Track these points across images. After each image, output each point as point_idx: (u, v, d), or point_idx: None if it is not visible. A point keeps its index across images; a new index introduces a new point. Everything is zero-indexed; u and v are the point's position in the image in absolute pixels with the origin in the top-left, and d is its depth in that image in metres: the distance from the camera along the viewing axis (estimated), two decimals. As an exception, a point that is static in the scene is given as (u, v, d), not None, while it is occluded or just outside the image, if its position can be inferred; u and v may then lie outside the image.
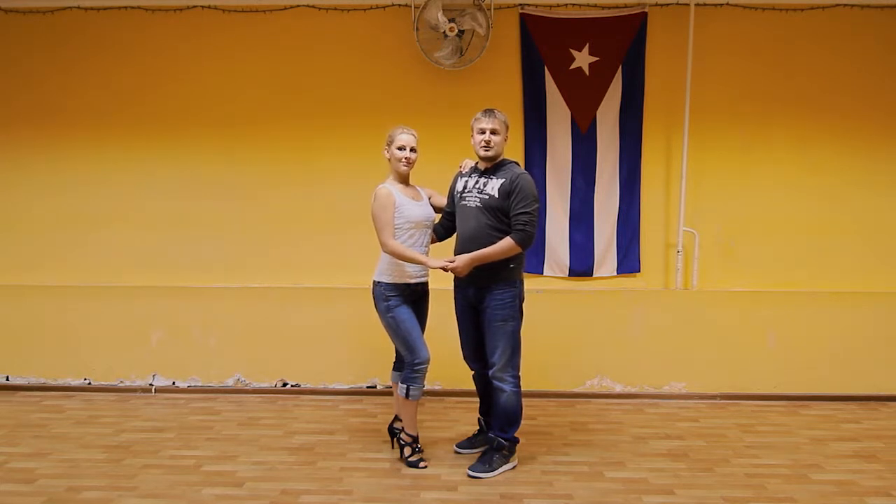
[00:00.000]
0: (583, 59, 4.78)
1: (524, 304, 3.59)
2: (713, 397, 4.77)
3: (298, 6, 4.82)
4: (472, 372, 3.82)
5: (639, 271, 4.94)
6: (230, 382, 4.92)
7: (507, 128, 3.54)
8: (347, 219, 4.89)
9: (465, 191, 3.56)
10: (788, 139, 4.85)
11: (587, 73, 4.79)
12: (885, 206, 4.86)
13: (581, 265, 4.92)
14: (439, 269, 3.45)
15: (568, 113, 4.83)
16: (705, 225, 4.88)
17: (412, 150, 3.56)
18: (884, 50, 4.77)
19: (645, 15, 4.74)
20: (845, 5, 4.74)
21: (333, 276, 4.93)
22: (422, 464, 3.60)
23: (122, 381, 4.94)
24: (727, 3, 4.75)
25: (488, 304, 3.48)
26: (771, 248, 4.89)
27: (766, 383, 4.79)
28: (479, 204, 3.47)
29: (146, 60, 4.89)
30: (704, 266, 4.89)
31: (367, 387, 4.88)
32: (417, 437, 3.66)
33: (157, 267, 4.97)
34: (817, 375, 4.77)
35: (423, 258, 3.47)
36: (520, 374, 3.55)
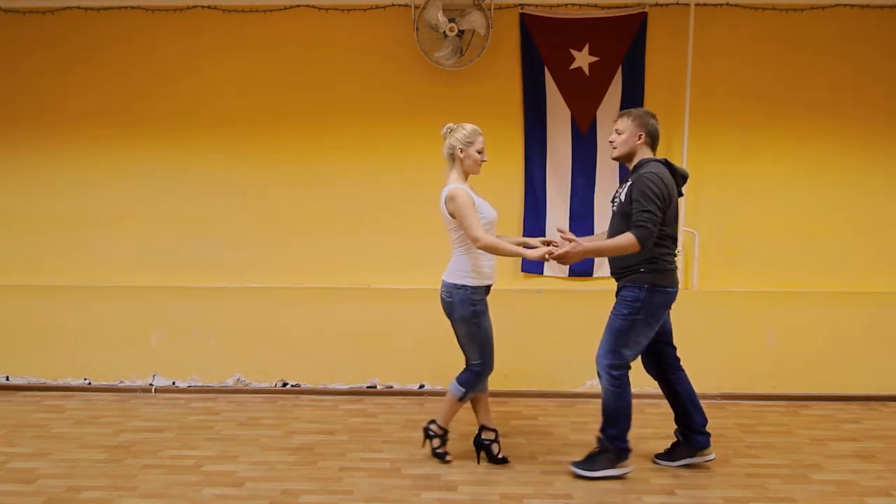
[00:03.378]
0: (583, 59, 4.78)
1: (661, 317, 3.48)
2: (713, 397, 4.76)
3: (298, 6, 4.82)
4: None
5: (639, 271, 4.93)
6: (230, 382, 4.92)
7: (638, 125, 3.41)
8: (348, 219, 4.90)
9: (613, 197, 3.56)
10: (788, 139, 4.85)
11: (587, 73, 4.79)
12: (885, 206, 4.86)
13: (581, 265, 4.91)
14: (541, 259, 3.31)
15: (568, 113, 4.83)
16: (705, 225, 4.88)
17: None
18: (884, 50, 4.77)
19: (645, 15, 4.74)
20: (845, 5, 4.74)
21: (333, 276, 4.93)
22: (448, 457, 3.63)
23: (122, 381, 4.94)
24: (727, 4, 4.75)
25: (617, 299, 3.49)
26: (771, 248, 4.88)
27: (765, 383, 4.79)
28: (615, 209, 3.48)
29: (146, 60, 4.89)
30: (704, 266, 4.89)
31: (367, 387, 4.88)
32: (448, 431, 3.67)
33: (157, 267, 4.97)
34: (817, 375, 4.77)
35: (522, 250, 3.37)
36: (622, 373, 3.42)
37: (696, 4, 4.71)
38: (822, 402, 4.70)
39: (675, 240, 3.49)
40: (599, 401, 4.67)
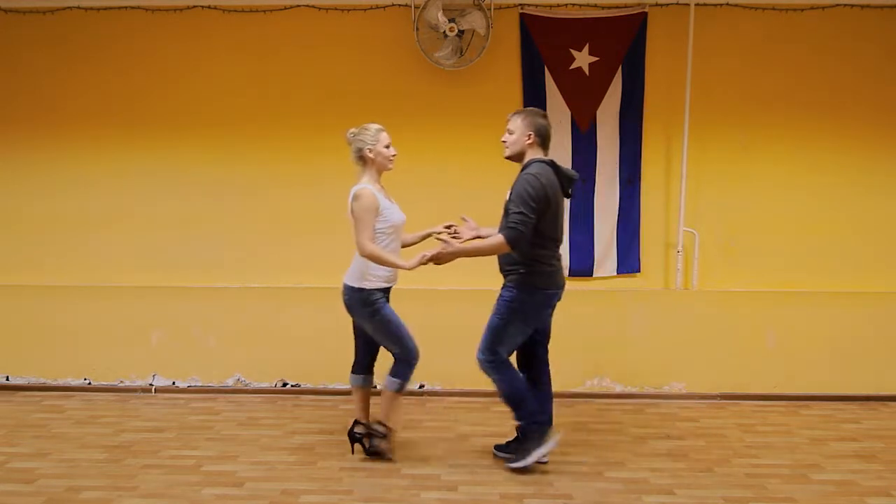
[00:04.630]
0: (583, 59, 4.78)
1: (541, 317, 3.56)
2: (713, 397, 4.76)
3: (298, 6, 4.82)
4: None
5: (639, 271, 4.94)
6: (230, 382, 4.92)
7: (528, 125, 3.45)
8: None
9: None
10: (788, 139, 4.85)
11: (587, 73, 4.79)
12: (885, 206, 4.86)
13: (581, 265, 4.92)
14: (419, 266, 3.37)
15: (568, 113, 4.83)
16: (705, 225, 4.88)
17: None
18: (884, 50, 4.77)
19: (645, 15, 4.74)
20: (845, 5, 4.74)
21: (333, 276, 4.90)
22: (389, 454, 3.66)
23: (122, 381, 4.93)
24: (727, 3, 4.75)
25: (497, 298, 3.53)
26: (771, 248, 4.88)
27: (766, 383, 4.79)
28: (504, 208, 3.50)
29: (146, 60, 4.89)
30: (704, 266, 4.89)
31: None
32: (393, 430, 3.69)
33: (157, 267, 4.97)
34: (817, 375, 4.77)
35: (401, 262, 3.43)
36: (496, 359, 3.48)
37: (696, 4, 4.71)
38: (822, 402, 4.70)
39: (556, 241, 3.51)
40: (600, 401, 4.73)
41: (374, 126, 3.56)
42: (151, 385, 4.91)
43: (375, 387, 4.83)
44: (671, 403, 4.69)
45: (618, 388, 4.84)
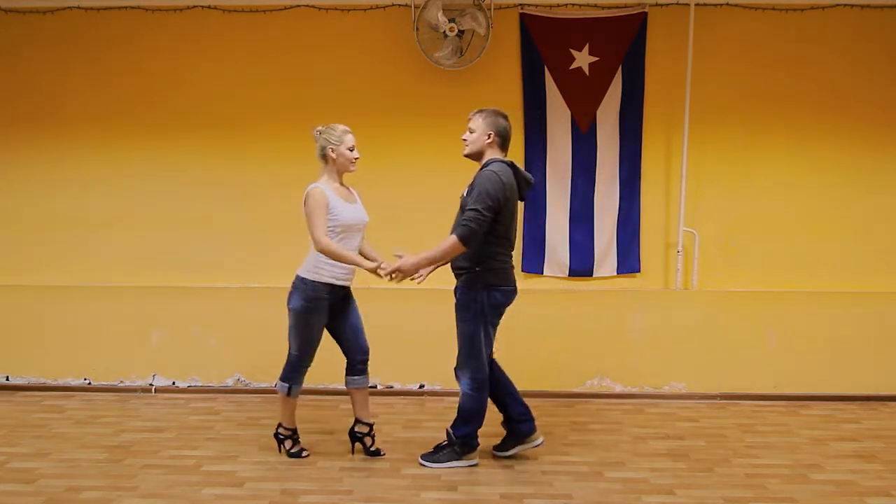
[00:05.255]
0: (583, 59, 4.78)
1: (501, 315, 3.52)
2: (713, 397, 4.77)
3: (298, 6, 4.82)
4: None
5: (639, 271, 4.94)
6: (230, 382, 4.92)
7: (489, 124, 3.45)
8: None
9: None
10: (788, 139, 4.85)
11: (587, 73, 4.79)
12: (885, 206, 4.86)
13: (581, 265, 4.92)
14: (374, 273, 3.39)
15: (568, 113, 4.83)
16: (705, 225, 4.88)
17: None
18: (884, 50, 4.77)
19: (645, 15, 4.74)
20: (845, 5, 4.74)
21: (333, 276, 4.92)
22: (304, 453, 3.70)
23: (122, 381, 4.94)
24: (727, 3, 4.75)
25: (456, 303, 3.51)
26: (771, 248, 4.88)
27: (766, 383, 4.79)
28: (460, 206, 3.49)
29: (146, 60, 4.89)
30: (704, 266, 4.89)
31: (368, 386, 4.87)
32: (296, 429, 3.74)
33: (157, 267, 4.97)
34: (817, 375, 4.77)
35: (357, 259, 3.44)
36: (479, 377, 3.49)
37: (696, 4, 4.71)
38: (822, 402, 4.70)
39: (511, 240, 3.51)
40: (600, 401, 4.73)
41: (341, 127, 3.57)
42: (151, 385, 4.92)
43: (375, 386, 4.85)
44: (671, 403, 4.69)
45: (618, 388, 4.84)
